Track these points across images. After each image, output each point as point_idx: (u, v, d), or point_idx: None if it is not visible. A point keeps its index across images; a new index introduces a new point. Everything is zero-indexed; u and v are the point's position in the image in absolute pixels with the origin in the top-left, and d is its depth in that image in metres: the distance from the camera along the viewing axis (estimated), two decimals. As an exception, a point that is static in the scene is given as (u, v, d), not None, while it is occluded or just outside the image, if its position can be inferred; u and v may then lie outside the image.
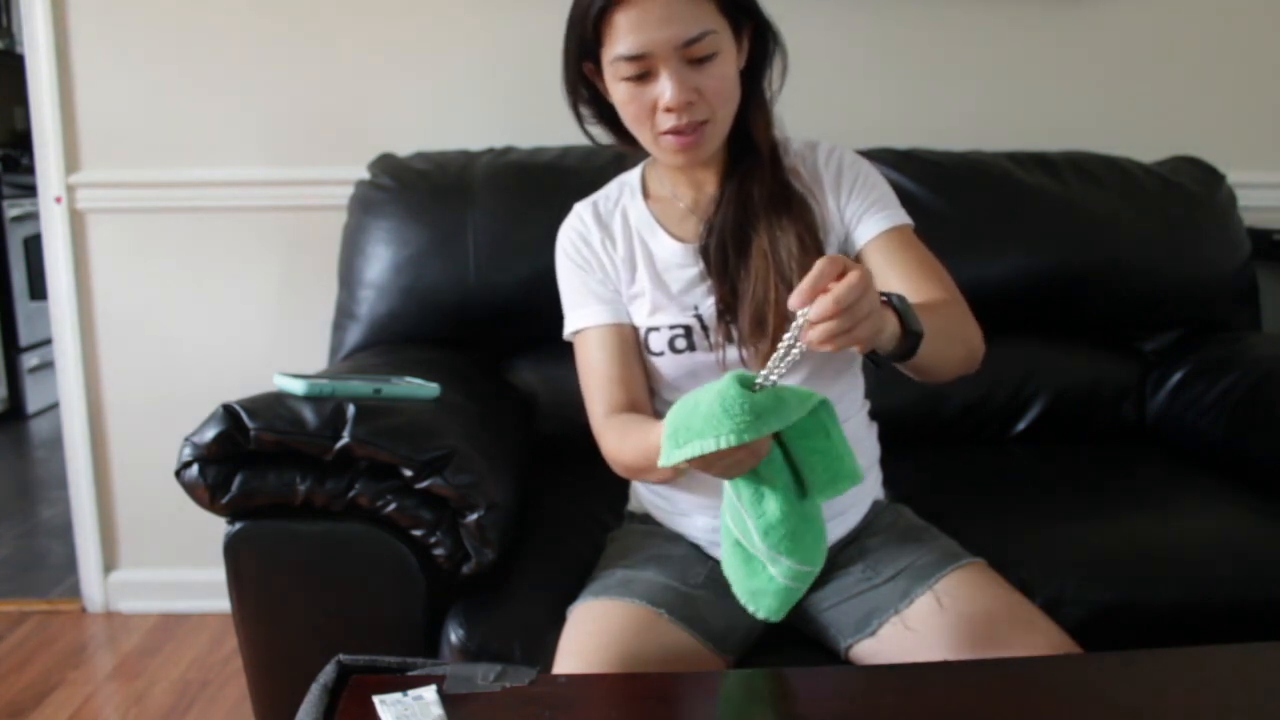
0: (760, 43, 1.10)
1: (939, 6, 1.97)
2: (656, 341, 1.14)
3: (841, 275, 0.79)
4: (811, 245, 1.08)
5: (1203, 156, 1.88)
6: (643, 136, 1.09)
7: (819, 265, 0.78)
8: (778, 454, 0.86)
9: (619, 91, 1.06)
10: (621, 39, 1.01)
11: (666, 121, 1.04)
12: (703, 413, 0.80)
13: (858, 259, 1.12)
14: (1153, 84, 2.02)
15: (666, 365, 1.14)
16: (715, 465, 0.82)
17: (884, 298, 0.90)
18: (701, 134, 1.05)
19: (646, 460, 0.98)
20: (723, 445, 0.78)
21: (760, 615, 0.92)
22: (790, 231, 1.07)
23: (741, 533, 0.90)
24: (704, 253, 1.12)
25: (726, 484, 0.90)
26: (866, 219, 1.11)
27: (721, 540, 0.95)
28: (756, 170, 1.11)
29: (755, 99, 1.12)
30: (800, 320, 0.79)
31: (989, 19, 1.98)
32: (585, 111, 1.15)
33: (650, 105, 1.04)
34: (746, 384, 0.81)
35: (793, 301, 0.78)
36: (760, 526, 0.87)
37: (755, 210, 1.09)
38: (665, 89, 1.02)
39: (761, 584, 0.91)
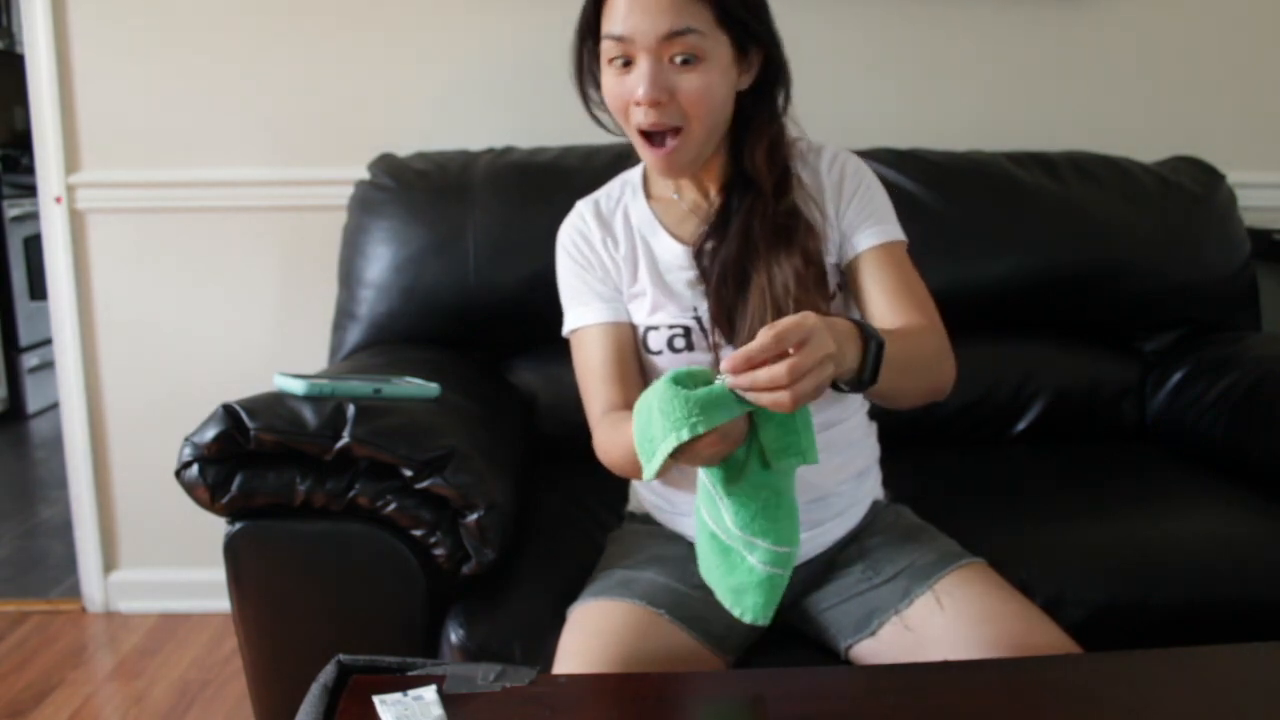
0: (770, 70, 1.10)
1: (939, 6, 1.97)
2: (655, 340, 1.14)
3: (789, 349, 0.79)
4: (809, 278, 1.06)
5: (1203, 156, 1.88)
6: (627, 132, 1.09)
7: (759, 338, 0.79)
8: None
9: (606, 76, 1.07)
10: (611, 18, 1.03)
11: (637, 116, 1.04)
12: (656, 418, 0.82)
13: (848, 270, 1.12)
14: (1153, 84, 2.02)
15: (665, 364, 1.14)
16: (695, 459, 0.83)
17: (861, 329, 0.89)
18: (676, 144, 1.04)
19: (634, 462, 0.98)
20: (684, 439, 0.79)
21: (747, 618, 0.90)
22: (788, 266, 1.06)
23: (715, 520, 0.90)
24: (698, 260, 1.11)
25: (700, 473, 0.90)
26: (860, 232, 1.11)
27: (696, 536, 0.94)
28: (759, 204, 1.09)
29: (755, 124, 1.10)
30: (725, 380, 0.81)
31: (989, 19, 1.98)
32: (592, 95, 1.15)
33: (627, 98, 1.04)
34: (689, 380, 0.82)
35: (725, 366, 0.80)
36: (732, 506, 0.87)
37: (756, 246, 1.08)
38: (638, 81, 1.02)
39: (742, 578, 0.89)
